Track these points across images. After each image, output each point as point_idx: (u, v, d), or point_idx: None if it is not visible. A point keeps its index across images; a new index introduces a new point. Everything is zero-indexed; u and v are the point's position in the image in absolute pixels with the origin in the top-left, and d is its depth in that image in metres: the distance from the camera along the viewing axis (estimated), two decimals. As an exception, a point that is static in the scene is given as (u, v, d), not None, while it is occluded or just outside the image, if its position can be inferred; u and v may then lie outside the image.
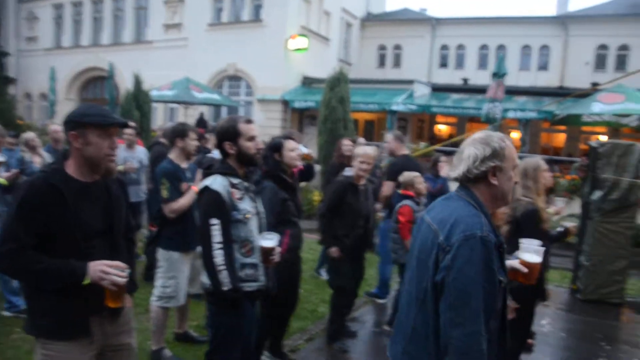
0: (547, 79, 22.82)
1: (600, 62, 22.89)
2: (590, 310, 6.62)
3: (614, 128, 16.59)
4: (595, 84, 14.18)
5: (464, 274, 1.79)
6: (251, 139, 2.97)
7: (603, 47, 22.82)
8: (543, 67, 24.15)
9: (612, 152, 6.89)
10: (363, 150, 4.71)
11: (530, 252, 2.41)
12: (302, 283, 6.35)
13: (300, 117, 21.02)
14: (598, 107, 14.86)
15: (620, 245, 6.87)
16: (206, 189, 2.85)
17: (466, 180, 2.00)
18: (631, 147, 6.87)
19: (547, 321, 6.02)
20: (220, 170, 2.95)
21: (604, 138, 17.77)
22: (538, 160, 3.97)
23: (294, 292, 4.32)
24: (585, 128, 18.56)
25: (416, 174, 5.35)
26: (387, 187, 5.90)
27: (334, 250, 4.63)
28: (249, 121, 3.02)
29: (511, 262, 2.37)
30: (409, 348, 1.99)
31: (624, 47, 22.45)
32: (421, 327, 1.94)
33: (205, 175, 2.97)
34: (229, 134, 2.95)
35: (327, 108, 13.25)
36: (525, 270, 2.36)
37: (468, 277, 1.78)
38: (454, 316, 1.79)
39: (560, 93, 17.10)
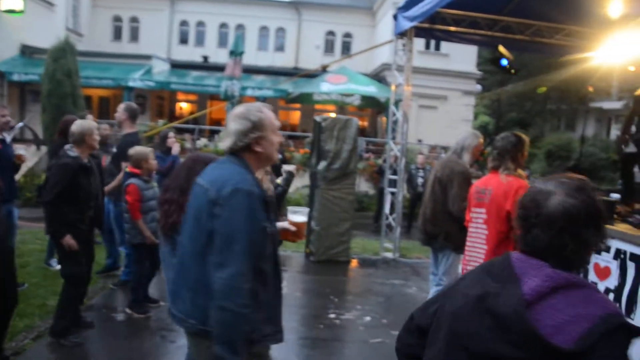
0: (284, 60, 24.24)
1: (329, 47, 25.23)
2: (322, 270, 7.33)
3: (340, 106, 18.44)
4: (324, 66, 15.49)
5: (230, 221, 2.00)
6: None
7: (331, 33, 25.17)
8: (280, 48, 25.53)
9: (333, 125, 7.60)
10: (89, 125, 4.27)
11: (297, 213, 2.85)
12: (29, 276, 5.73)
13: (21, 92, 18.47)
14: (326, 86, 16.44)
15: (343, 209, 7.64)
16: None
17: (235, 151, 2.19)
18: (349, 121, 7.70)
19: (284, 284, 6.34)
20: None
21: (333, 115, 19.62)
22: None
23: (11, 287, 3.75)
24: (318, 106, 20.24)
25: (148, 149, 5.12)
26: None
27: (68, 239, 4.12)
28: None
29: (281, 223, 2.71)
30: (198, 300, 2.10)
31: (348, 35, 25.09)
32: (203, 278, 2.07)
33: None
34: None
35: (52, 82, 11.91)
36: (294, 228, 2.76)
37: (234, 224, 2.00)
38: (220, 259, 1.99)
39: (294, 73, 18.28)
